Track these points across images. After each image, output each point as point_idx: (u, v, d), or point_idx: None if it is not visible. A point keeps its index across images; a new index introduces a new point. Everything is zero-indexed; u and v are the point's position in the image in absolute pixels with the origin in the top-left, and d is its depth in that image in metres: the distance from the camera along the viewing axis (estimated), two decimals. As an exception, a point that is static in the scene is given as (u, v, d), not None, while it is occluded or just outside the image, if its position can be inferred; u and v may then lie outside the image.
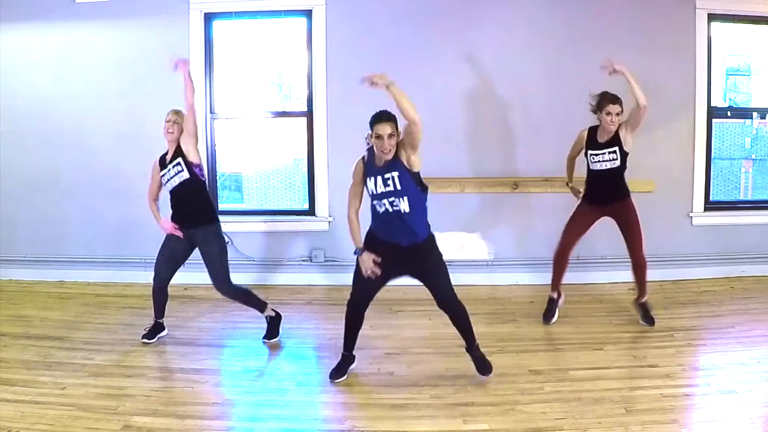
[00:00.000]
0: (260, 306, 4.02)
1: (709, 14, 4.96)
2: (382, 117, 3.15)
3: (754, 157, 5.39)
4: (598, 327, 4.11)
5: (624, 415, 2.93)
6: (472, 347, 3.40)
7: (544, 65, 4.97)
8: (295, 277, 5.20)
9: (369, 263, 3.24)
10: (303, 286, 5.13)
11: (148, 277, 5.12)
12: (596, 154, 4.01)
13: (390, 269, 3.29)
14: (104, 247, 5.25)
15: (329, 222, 5.16)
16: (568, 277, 4.90)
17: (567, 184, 4.34)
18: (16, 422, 2.90)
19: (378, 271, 3.23)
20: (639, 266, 4.07)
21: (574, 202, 4.25)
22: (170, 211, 3.92)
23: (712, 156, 5.16)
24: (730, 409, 2.96)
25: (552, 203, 5.03)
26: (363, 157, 3.29)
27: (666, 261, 4.85)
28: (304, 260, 5.21)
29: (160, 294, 3.98)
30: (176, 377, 3.46)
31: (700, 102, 5.01)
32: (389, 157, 3.14)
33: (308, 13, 5.05)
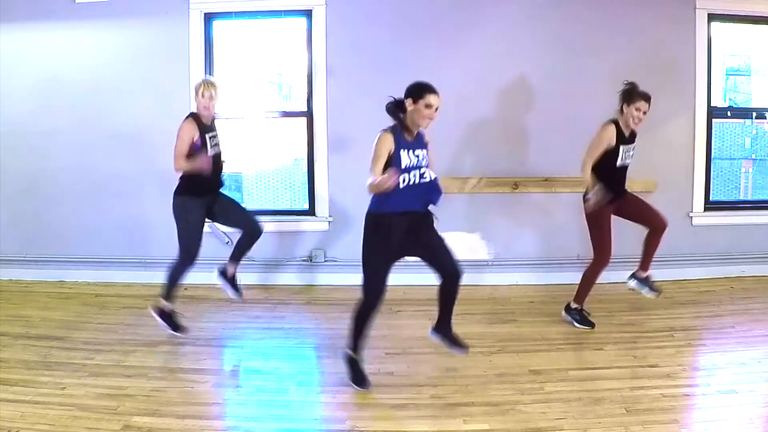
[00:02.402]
0: (241, 258, 4.19)
1: (709, 14, 4.96)
2: (433, 88, 3.18)
3: (754, 157, 5.39)
4: (598, 327, 4.11)
5: (624, 415, 2.93)
6: (449, 325, 3.37)
7: (544, 65, 4.96)
8: (295, 277, 5.20)
9: (390, 178, 3.03)
10: (303, 286, 5.14)
11: (148, 277, 5.17)
12: (628, 149, 3.95)
13: (401, 244, 3.20)
14: (104, 247, 5.24)
15: (329, 222, 5.16)
16: (568, 277, 4.92)
17: (590, 190, 3.89)
18: (16, 422, 2.90)
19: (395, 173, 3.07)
20: (663, 226, 4.06)
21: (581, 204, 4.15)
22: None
23: (712, 156, 5.15)
24: (730, 409, 2.96)
25: (552, 203, 5.04)
26: (389, 130, 3.19)
27: (666, 261, 4.85)
28: (304, 260, 5.22)
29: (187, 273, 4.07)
30: (176, 377, 3.45)
31: (700, 102, 5.01)
32: (427, 126, 3.20)
33: (308, 13, 5.05)
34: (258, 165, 5.47)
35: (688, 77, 4.98)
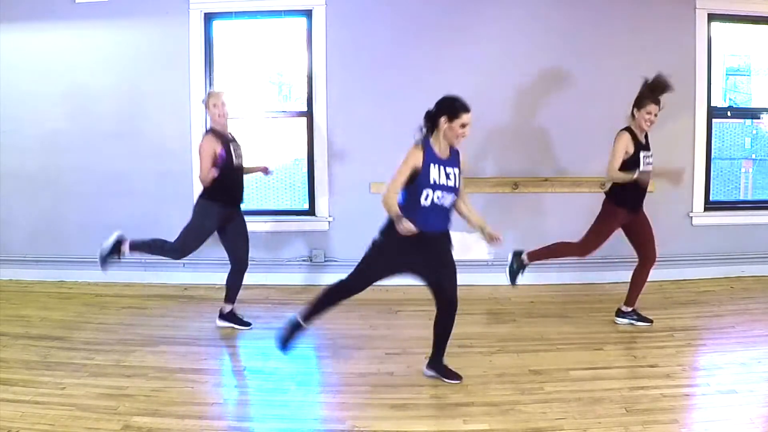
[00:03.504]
0: (235, 297, 4.24)
1: (709, 14, 4.96)
2: (467, 107, 3.16)
3: (754, 157, 5.38)
4: (598, 327, 4.11)
5: (624, 415, 2.93)
6: (441, 357, 3.37)
7: (544, 65, 4.96)
8: (295, 277, 5.20)
9: (408, 223, 3.02)
10: (303, 286, 5.13)
11: (148, 277, 5.18)
12: (648, 156, 3.90)
13: (407, 260, 3.20)
14: (104, 247, 5.24)
15: (329, 222, 5.16)
16: (568, 277, 4.94)
17: (636, 177, 3.82)
18: (16, 422, 2.90)
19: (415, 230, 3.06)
20: (653, 262, 4.05)
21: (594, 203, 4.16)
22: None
23: (712, 156, 5.16)
24: (730, 409, 2.96)
25: (552, 203, 5.04)
26: (420, 144, 3.14)
27: (666, 261, 4.84)
28: (304, 260, 5.22)
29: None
30: (176, 377, 3.45)
31: (700, 102, 5.02)
32: (459, 145, 3.17)
33: (308, 13, 5.05)
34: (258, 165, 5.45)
35: (688, 77, 4.97)
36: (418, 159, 3.11)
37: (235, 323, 4.21)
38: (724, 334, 3.95)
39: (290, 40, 5.23)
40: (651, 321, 4.08)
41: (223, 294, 4.25)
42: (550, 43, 4.97)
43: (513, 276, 4.17)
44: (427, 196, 3.12)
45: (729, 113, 5.29)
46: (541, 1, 4.96)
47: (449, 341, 3.36)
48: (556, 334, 4.02)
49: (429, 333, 3.96)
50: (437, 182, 3.12)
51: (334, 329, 4.15)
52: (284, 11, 5.11)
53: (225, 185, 4.00)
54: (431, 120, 3.17)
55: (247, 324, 4.21)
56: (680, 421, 2.88)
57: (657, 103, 3.85)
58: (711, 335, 3.96)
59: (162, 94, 5.08)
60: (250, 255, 4.24)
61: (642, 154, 3.89)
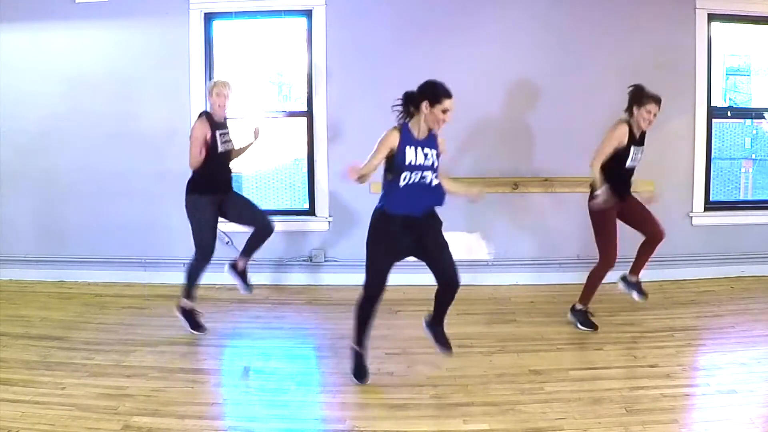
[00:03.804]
0: (252, 253, 4.19)
1: (709, 14, 4.96)
2: (449, 92, 3.16)
3: (754, 157, 5.38)
4: (598, 327, 4.11)
5: (624, 415, 2.93)
6: (440, 322, 3.38)
7: (544, 65, 4.96)
8: (295, 277, 5.20)
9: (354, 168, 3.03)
10: (303, 286, 5.13)
11: (148, 277, 5.18)
12: (638, 151, 3.93)
13: (403, 245, 3.22)
14: (104, 247, 5.24)
15: (329, 222, 5.16)
16: (568, 277, 4.93)
17: (597, 188, 3.84)
18: (16, 422, 2.90)
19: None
20: (660, 236, 4.05)
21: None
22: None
23: (712, 156, 5.15)
24: (730, 409, 2.96)
25: (552, 203, 5.04)
26: (397, 127, 3.18)
27: (666, 261, 4.85)
28: (304, 260, 5.22)
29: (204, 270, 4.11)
30: (176, 377, 3.45)
31: (700, 102, 5.02)
32: (438, 130, 3.17)
33: (308, 13, 5.05)
34: (258, 165, 5.46)
35: (688, 77, 4.98)
36: (395, 140, 3.13)
37: (240, 280, 4.18)
38: (724, 334, 3.95)
39: (290, 40, 5.23)
40: (646, 295, 4.17)
41: (223, 294, 4.24)
42: (550, 43, 4.97)
43: (582, 323, 4.12)
44: (406, 177, 3.14)
45: (729, 113, 5.29)
46: (541, 1, 4.96)
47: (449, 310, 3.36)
48: (556, 334, 4.02)
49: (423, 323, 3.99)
50: (413, 163, 3.13)
51: (334, 329, 4.15)
52: (284, 11, 5.10)
53: (209, 174, 3.95)
54: (412, 103, 3.18)
55: (250, 288, 4.20)
56: (680, 421, 2.88)
57: (657, 103, 3.84)
58: (711, 335, 3.96)
59: (162, 94, 5.08)
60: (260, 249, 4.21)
61: (633, 148, 3.90)
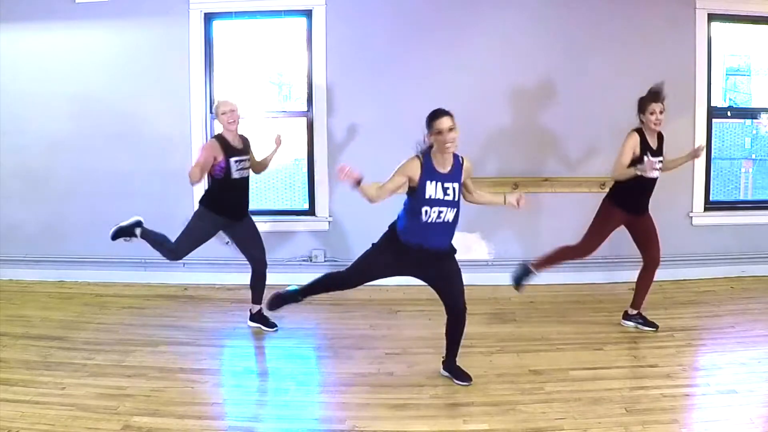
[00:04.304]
0: (261, 297, 4.15)
1: (709, 14, 4.96)
2: (438, 113, 3.07)
3: (754, 157, 5.38)
4: (598, 327, 4.11)
5: (624, 415, 2.93)
6: (454, 359, 3.38)
7: (544, 65, 4.96)
8: (295, 277, 5.17)
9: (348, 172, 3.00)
10: (303, 286, 5.13)
11: (148, 277, 5.18)
12: (656, 161, 3.84)
13: (406, 268, 3.27)
14: (104, 247, 5.21)
15: (329, 222, 5.16)
16: (568, 278, 4.93)
17: (637, 171, 3.75)
18: (16, 422, 2.90)
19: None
20: (654, 268, 4.03)
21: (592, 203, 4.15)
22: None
23: (712, 156, 5.15)
24: (730, 409, 2.96)
25: (552, 203, 5.04)
26: (419, 156, 3.12)
27: (666, 261, 4.81)
28: (304, 260, 5.22)
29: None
30: (176, 377, 3.45)
31: (700, 102, 5.01)
32: (452, 150, 3.08)
33: (308, 13, 5.05)
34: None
35: (688, 77, 4.97)
36: (415, 170, 3.09)
37: (262, 324, 4.18)
38: (724, 334, 3.94)
39: (290, 40, 5.23)
40: (656, 326, 4.02)
41: (223, 294, 4.25)
42: (550, 43, 4.96)
43: (517, 282, 4.18)
44: (427, 212, 3.10)
45: (729, 113, 5.29)
46: (541, 2, 4.96)
47: (461, 343, 3.37)
48: (556, 334, 4.02)
49: (429, 333, 3.99)
50: (433, 197, 3.10)
51: (334, 329, 4.16)
52: (284, 11, 5.10)
53: (222, 198, 3.99)
54: (426, 136, 3.16)
55: (274, 326, 4.18)
56: (680, 421, 2.88)
57: (657, 101, 3.83)
58: (711, 335, 3.95)
59: (162, 94, 5.08)
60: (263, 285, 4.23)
61: (646, 158, 3.82)
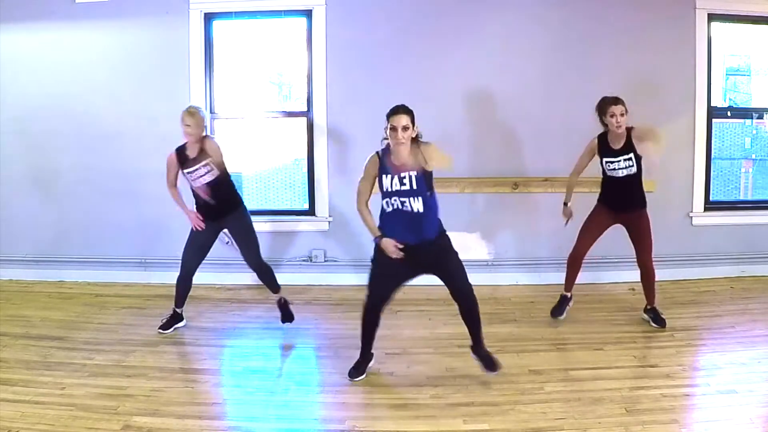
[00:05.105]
0: (276, 287, 4.18)
1: (709, 14, 4.96)
2: (398, 109, 3.16)
3: (754, 157, 5.38)
4: (598, 327, 4.11)
5: (624, 415, 2.93)
6: (480, 345, 3.38)
7: (544, 65, 4.96)
8: (295, 277, 5.20)
9: (391, 246, 3.20)
10: (303, 286, 5.13)
11: (148, 277, 5.18)
12: (612, 162, 3.94)
13: (405, 269, 3.28)
14: (104, 247, 5.24)
15: (329, 222, 5.16)
16: (568, 277, 4.91)
17: (565, 205, 4.22)
18: (16, 422, 2.90)
19: (401, 254, 3.19)
20: (647, 274, 4.06)
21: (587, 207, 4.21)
22: (192, 204, 4.06)
23: (712, 156, 5.15)
24: (730, 409, 2.96)
25: (552, 203, 5.03)
26: (378, 153, 3.28)
27: (666, 261, 4.85)
28: (304, 260, 5.22)
29: (184, 283, 4.13)
30: (176, 377, 3.45)
31: (700, 102, 5.01)
32: (402, 148, 3.14)
33: (308, 13, 5.05)
34: (258, 165, 5.46)
35: (688, 77, 4.97)
36: (374, 169, 3.24)
37: (283, 312, 4.22)
38: (724, 334, 3.94)
39: (290, 40, 5.23)
40: (664, 324, 4.03)
41: (223, 294, 4.25)
42: (550, 44, 4.96)
43: (558, 314, 4.24)
44: (388, 203, 3.21)
45: (729, 113, 5.29)
46: (541, 2, 4.96)
47: (481, 330, 3.39)
48: (556, 334, 4.02)
49: (429, 333, 4.00)
50: (390, 189, 3.18)
51: (334, 329, 4.16)
52: (284, 11, 5.10)
53: (197, 203, 4.04)
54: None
55: (290, 318, 4.22)
56: (680, 421, 2.88)
57: (617, 103, 3.87)
58: (711, 335, 3.96)
59: (162, 94, 5.07)
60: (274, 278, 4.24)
61: (605, 160, 3.96)
